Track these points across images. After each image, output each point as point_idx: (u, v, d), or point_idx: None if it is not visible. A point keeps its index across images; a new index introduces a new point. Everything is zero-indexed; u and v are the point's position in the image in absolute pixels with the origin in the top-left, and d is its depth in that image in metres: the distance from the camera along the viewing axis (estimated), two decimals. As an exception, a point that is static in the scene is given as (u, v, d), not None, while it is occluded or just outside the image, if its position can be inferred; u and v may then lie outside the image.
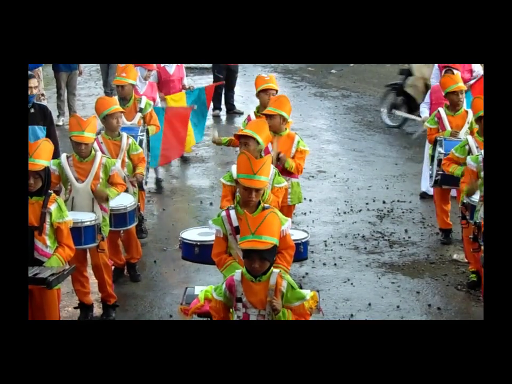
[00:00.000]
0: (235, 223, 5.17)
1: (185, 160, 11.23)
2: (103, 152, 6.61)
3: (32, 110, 7.14)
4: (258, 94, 7.55)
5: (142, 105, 8.31)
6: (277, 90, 7.56)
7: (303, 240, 5.83)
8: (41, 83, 12.48)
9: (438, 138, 7.62)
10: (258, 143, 5.76)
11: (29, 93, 7.05)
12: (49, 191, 5.39)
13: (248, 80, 16.20)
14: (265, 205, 5.31)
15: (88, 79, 15.98)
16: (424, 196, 9.38)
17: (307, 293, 4.86)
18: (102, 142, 6.87)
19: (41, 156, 5.32)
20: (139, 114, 8.25)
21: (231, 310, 4.59)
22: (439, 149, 7.48)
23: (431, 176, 7.97)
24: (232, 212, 5.20)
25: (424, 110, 9.64)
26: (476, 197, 6.37)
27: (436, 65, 9.82)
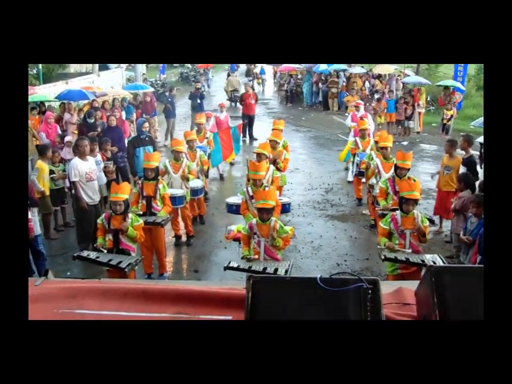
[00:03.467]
0: (250, 193, 6.94)
1: (232, 164, 14.67)
2: (187, 159, 9.29)
3: (146, 138, 10.33)
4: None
5: (208, 136, 11.62)
6: (277, 141, 9.73)
7: (288, 202, 8.16)
8: (156, 124, 16.50)
9: (357, 153, 10.76)
10: (266, 155, 8.21)
11: (143, 129, 10.31)
12: (158, 177, 7.67)
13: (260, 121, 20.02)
14: (266, 184, 7.09)
15: (182, 122, 20.01)
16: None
17: (289, 228, 6.25)
18: (186, 153, 9.58)
19: (154, 160, 7.59)
20: (205, 140, 11.56)
21: (251, 240, 5.80)
22: (357, 158, 10.53)
23: (352, 171, 11.04)
24: (249, 188, 7.03)
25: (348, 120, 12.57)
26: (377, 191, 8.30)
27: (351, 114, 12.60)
